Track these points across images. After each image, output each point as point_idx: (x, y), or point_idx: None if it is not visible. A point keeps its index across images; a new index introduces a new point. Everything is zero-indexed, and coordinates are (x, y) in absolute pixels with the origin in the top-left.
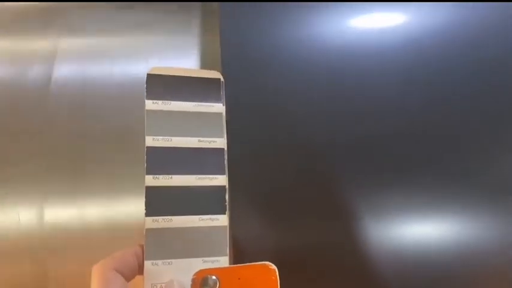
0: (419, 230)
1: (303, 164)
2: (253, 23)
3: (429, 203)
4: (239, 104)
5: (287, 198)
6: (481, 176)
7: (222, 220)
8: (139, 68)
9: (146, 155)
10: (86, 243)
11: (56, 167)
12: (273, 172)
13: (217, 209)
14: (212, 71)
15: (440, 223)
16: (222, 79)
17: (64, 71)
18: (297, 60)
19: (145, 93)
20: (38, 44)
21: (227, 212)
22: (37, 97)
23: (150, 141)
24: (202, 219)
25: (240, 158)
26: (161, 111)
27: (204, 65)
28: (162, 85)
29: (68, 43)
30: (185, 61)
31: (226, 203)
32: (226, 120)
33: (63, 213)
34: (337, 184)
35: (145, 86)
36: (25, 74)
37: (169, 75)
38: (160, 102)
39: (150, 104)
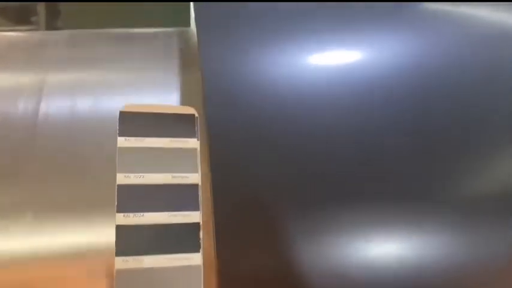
0: (371, 252)
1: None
2: (234, 52)
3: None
4: (221, 137)
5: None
6: (428, 197)
7: (196, 259)
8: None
9: (117, 192)
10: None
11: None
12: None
13: (191, 247)
14: (186, 107)
15: (388, 244)
16: (196, 115)
17: (51, 105)
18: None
19: (117, 131)
20: (25, 78)
21: (201, 250)
22: (24, 130)
23: (122, 178)
24: (175, 259)
25: (222, 191)
26: (134, 147)
27: (185, 99)
28: (135, 122)
29: (55, 77)
30: (165, 97)
31: (201, 241)
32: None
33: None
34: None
35: (117, 123)
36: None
37: (143, 112)
38: (133, 139)
39: (122, 141)
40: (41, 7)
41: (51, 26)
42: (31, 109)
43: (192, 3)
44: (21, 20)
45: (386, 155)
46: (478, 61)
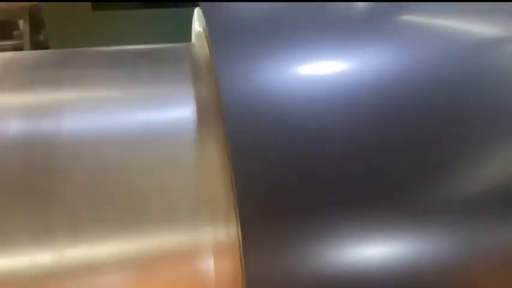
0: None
1: None
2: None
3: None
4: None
5: None
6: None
7: None
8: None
9: None
10: None
11: None
12: None
13: None
14: None
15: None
16: None
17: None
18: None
19: None
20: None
21: None
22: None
23: None
24: None
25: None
26: None
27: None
28: None
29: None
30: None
31: None
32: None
33: None
34: None
35: None
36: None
37: None
38: None
39: None
40: (24, 22)
41: (34, 40)
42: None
43: (196, 16)
44: (4, 34)
45: (383, 158)
46: (459, 64)
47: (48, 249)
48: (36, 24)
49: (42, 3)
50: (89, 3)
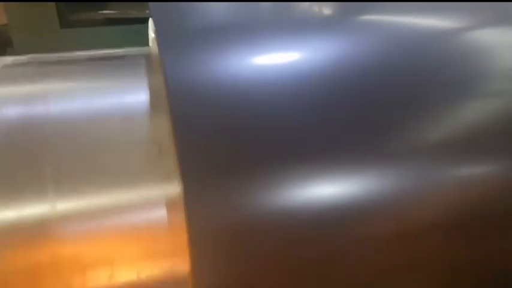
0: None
1: None
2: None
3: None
4: None
5: None
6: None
7: None
8: None
9: None
10: None
11: None
12: None
13: None
14: None
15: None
16: None
17: None
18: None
19: None
20: None
21: None
22: None
23: None
24: None
25: None
26: None
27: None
28: None
29: None
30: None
31: None
32: None
33: None
34: None
35: None
36: None
37: None
38: None
39: None
40: None
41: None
42: None
43: (150, 24)
44: None
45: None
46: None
47: (40, 200)
48: (3, 43)
49: (9, 23)
50: (57, 21)
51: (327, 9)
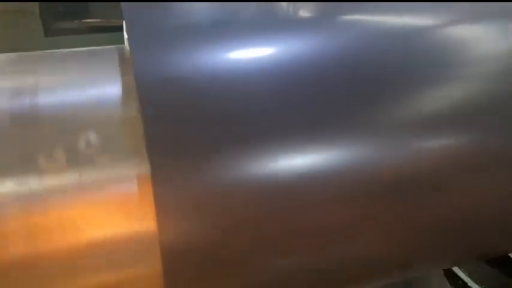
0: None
1: None
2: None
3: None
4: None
5: None
6: None
7: None
8: None
9: None
10: None
11: None
12: None
13: None
14: None
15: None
16: None
17: None
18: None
19: None
20: None
21: None
22: None
23: None
24: None
25: None
26: None
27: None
28: None
29: None
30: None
31: None
32: None
33: None
34: None
35: None
36: None
37: None
38: None
39: None
40: None
41: None
42: None
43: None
44: None
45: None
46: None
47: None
48: None
49: None
50: (41, 30)
51: (294, 7)
